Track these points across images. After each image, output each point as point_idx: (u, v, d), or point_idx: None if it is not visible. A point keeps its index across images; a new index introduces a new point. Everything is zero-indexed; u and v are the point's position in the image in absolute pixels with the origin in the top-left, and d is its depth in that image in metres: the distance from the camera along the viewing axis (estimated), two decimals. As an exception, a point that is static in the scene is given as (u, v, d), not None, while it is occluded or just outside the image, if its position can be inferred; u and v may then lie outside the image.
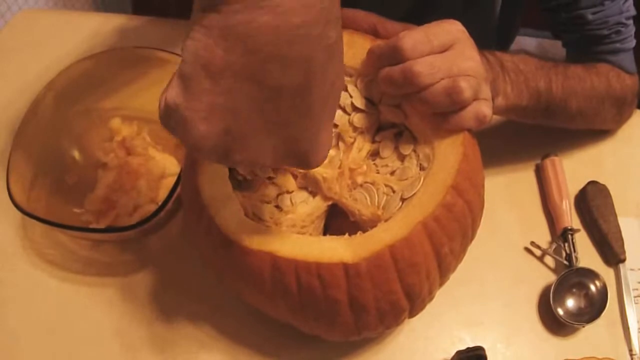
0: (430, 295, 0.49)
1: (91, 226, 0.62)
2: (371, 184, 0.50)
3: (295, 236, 0.46)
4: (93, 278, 0.62)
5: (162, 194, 0.64)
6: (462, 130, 0.47)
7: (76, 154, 0.68)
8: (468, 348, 0.53)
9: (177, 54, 0.66)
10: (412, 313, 0.49)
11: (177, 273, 0.62)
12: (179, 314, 0.59)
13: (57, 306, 0.60)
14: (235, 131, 0.34)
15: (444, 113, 0.47)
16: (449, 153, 0.47)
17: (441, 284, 0.49)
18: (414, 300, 0.46)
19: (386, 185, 0.49)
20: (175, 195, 0.58)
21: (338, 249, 0.43)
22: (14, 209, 0.56)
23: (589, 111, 0.65)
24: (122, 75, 0.68)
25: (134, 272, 0.62)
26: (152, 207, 0.58)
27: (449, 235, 0.45)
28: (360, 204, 0.49)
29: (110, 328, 0.58)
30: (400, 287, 0.44)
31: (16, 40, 0.85)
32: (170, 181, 0.62)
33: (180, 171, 0.58)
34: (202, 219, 0.47)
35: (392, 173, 0.50)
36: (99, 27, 0.85)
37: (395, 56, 0.46)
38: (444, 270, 0.47)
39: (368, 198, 0.49)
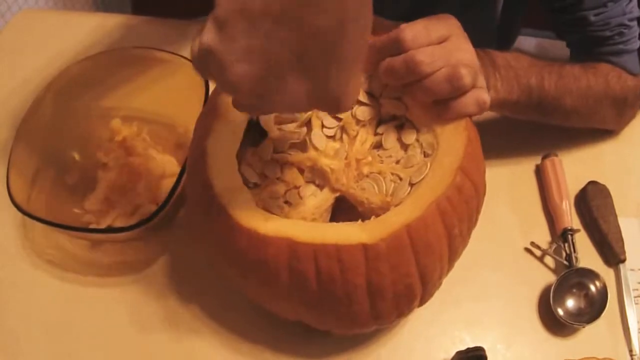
0: (439, 281, 0.50)
1: (91, 226, 0.62)
2: (378, 173, 0.50)
3: (310, 223, 0.46)
4: (93, 278, 0.62)
5: (162, 194, 0.64)
6: (463, 117, 0.48)
7: (76, 154, 0.68)
8: (468, 348, 0.53)
9: (177, 54, 0.66)
10: (423, 300, 0.50)
11: (177, 273, 0.62)
12: (180, 313, 0.59)
13: (57, 306, 0.60)
14: (272, 73, 0.35)
15: (445, 100, 0.48)
16: (454, 138, 0.48)
17: (448, 269, 0.50)
18: (426, 284, 0.47)
19: (392, 174, 0.50)
20: (175, 195, 0.58)
21: (355, 232, 0.44)
22: (14, 209, 0.56)
23: (584, 110, 0.65)
24: (122, 76, 0.68)
25: (134, 272, 0.62)
26: (152, 207, 0.58)
27: (459, 216, 0.46)
28: (368, 193, 0.49)
29: (110, 328, 0.58)
30: (416, 269, 0.45)
31: (16, 40, 0.85)
32: (170, 181, 0.61)
33: (181, 171, 0.58)
34: (211, 212, 0.47)
35: (397, 162, 0.51)
36: (99, 27, 0.85)
37: (396, 47, 0.47)
38: (453, 253, 0.48)
39: (376, 187, 0.50)
